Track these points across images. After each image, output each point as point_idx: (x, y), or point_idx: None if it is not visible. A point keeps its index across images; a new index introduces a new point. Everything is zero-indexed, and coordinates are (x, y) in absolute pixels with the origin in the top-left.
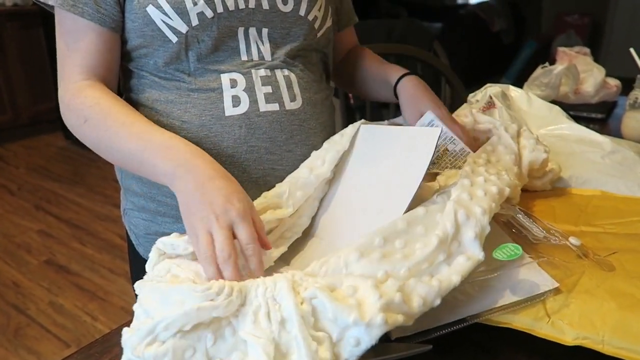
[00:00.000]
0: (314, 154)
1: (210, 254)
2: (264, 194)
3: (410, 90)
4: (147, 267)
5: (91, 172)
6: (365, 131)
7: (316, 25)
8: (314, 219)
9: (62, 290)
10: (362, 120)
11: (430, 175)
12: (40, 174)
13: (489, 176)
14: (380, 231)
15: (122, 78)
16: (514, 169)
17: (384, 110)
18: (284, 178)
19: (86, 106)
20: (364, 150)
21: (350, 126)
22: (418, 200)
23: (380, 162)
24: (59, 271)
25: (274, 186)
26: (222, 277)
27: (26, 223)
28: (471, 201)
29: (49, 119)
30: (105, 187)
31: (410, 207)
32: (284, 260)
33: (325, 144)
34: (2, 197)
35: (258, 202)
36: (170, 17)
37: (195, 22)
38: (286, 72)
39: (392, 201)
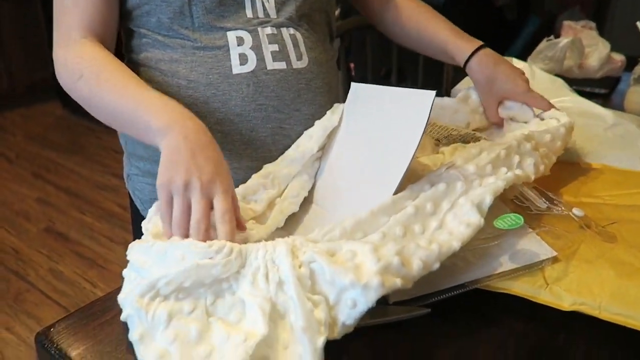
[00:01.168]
0: (306, 132)
1: (182, 220)
2: (254, 175)
3: (484, 74)
4: (143, 223)
5: (89, 141)
6: (357, 90)
7: None
8: (313, 185)
9: (62, 258)
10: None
11: (434, 145)
12: (38, 142)
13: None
14: (385, 211)
15: (123, 39)
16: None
17: (386, 84)
18: (292, 137)
19: (83, 63)
20: (358, 112)
21: (341, 104)
22: (419, 171)
23: (375, 125)
24: (58, 239)
25: (282, 144)
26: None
27: (25, 191)
28: (478, 174)
29: (46, 87)
30: (103, 157)
31: (408, 173)
32: (287, 230)
33: (316, 122)
34: (0, 165)
35: (250, 183)
36: None
37: None
38: (292, 30)
39: (388, 170)
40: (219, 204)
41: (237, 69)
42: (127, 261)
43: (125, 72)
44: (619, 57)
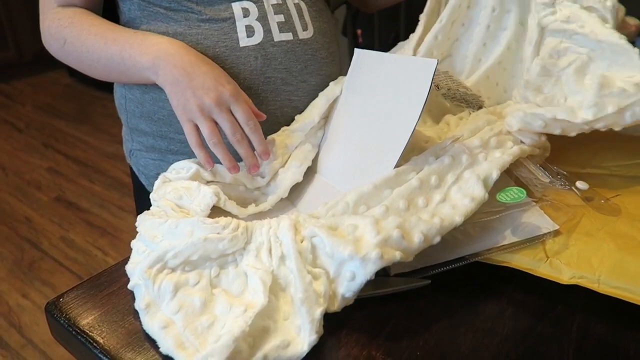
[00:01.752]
0: (310, 104)
1: (219, 140)
2: None
3: None
4: (151, 195)
5: (97, 110)
6: (360, 56)
7: None
8: (317, 155)
9: (73, 226)
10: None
11: (439, 112)
12: (46, 111)
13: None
14: (388, 184)
15: (121, 12)
16: None
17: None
18: (300, 109)
19: (62, 27)
20: (361, 79)
21: (341, 76)
22: (422, 142)
23: (377, 94)
24: (69, 208)
25: (291, 117)
26: (232, 163)
27: (35, 160)
28: (484, 149)
29: (53, 56)
30: (111, 126)
31: (412, 144)
32: (291, 200)
33: (320, 94)
34: (10, 135)
35: None
36: None
37: None
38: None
39: (390, 140)
40: (237, 113)
41: (244, 41)
42: (137, 231)
43: (104, 23)
44: (633, 22)
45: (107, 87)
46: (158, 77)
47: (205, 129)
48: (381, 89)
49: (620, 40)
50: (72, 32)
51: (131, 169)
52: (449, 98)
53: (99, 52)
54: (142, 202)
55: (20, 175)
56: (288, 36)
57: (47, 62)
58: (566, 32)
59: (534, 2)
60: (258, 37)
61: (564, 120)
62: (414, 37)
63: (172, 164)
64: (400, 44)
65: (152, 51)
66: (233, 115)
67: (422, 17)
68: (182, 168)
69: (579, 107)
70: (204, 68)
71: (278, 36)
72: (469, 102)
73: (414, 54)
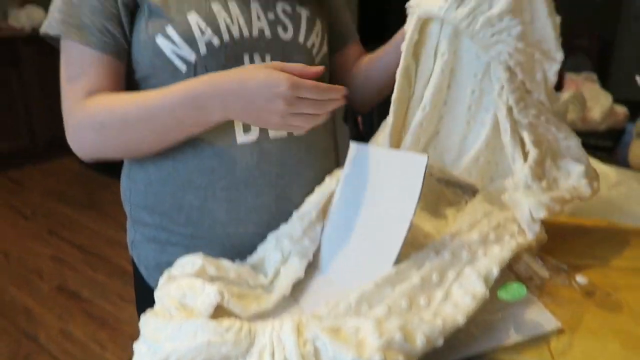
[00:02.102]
0: (307, 199)
1: (314, 116)
2: (259, 246)
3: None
4: (156, 293)
5: (105, 197)
6: (355, 150)
7: (314, 52)
8: (318, 249)
9: (73, 318)
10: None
11: (439, 203)
12: (54, 198)
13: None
14: (389, 282)
15: None
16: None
17: None
18: (293, 201)
19: (96, 113)
20: (356, 174)
21: (337, 169)
22: (421, 238)
23: (372, 190)
24: (70, 297)
25: (286, 210)
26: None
27: (39, 248)
28: (485, 245)
29: (66, 142)
30: (118, 213)
31: (410, 238)
32: (293, 297)
33: (316, 188)
34: (16, 222)
35: (257, 256)
36: (179, 47)
37: (203, 50)
38: None
39: (387, 238)
40: (306, 94)
41: (241, 137)
42: (136, 321)
43: (134, 94)
44: (621, 110)
45: (117, 174)
46: (227, 114)
47: (300, 124)
48: (376, 184)
49: (571, 133)
50: (109, 114)
51: (133, 260)
52: (443, 182)
53: (147, 123)
54: (142, 294)
55: (23, 262)
56: (283, 133)
57: (59, 148)
58: (528, 123)
59: (500, 92)
60: (254, 133)
61: (581, 197)
62: (387, 122)
63: (171, 255)
64: (384, 123)
65: (201, 101)
66: (304, 96)
67: (394, 103)
68: (187, 263)
69: (578, 186)
70: (251, 83)
71: (273, 133)
72: (462, 187)
73: (395, 140)
